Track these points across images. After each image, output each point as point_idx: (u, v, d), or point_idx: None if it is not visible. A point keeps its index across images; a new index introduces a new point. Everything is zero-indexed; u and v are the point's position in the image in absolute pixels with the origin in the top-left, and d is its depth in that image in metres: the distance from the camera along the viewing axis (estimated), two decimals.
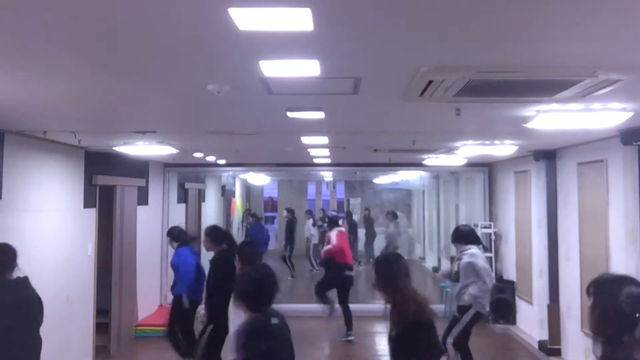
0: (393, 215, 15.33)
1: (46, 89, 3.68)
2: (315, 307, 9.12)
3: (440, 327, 3.90)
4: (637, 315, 2.06)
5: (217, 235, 6.46)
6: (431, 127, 5.56)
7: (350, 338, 8.56)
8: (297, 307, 9.82)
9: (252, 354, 3.11)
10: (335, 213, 10.50)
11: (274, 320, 3.22)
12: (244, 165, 11.20)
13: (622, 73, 3.17)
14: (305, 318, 9.06)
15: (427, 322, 3.39)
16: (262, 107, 4.34)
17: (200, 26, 2.38)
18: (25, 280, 4.20)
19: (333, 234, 8.92)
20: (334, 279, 8.74)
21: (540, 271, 8.03)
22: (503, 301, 9.24)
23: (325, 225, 10.07)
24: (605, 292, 2.18)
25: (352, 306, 8.77)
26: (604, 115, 4.27)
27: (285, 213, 15.26)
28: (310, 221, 15.66)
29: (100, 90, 3.73)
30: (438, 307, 10.09)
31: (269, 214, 19.65)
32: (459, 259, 6.48)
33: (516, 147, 7.00)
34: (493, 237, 10.01)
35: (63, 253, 6.50)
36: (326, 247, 8.93)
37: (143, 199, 9.10)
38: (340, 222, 9.48)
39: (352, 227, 15.93)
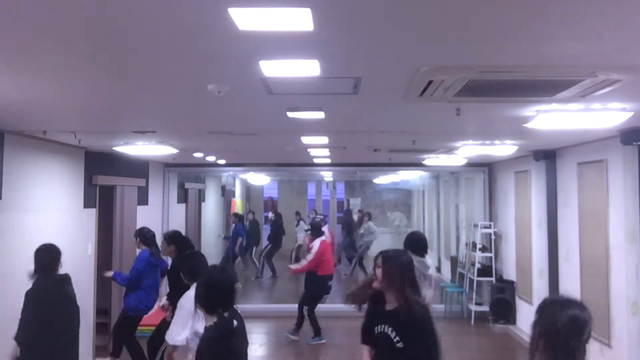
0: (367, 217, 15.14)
1: (46, 89, 3.68)
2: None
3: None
4: (571, 342, 2.10)
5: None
6: (431, 127, 5.56)
7: (322, 342, 8.54)
8: (285, 307, 9.87)
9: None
10: (321, 217, 10.26)
11: (235, 323, 3.16)
12: (244, 165, 11.21)
13: (622, 73, 3.18)
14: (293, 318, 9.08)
15: None
16: (262, 107, 4.34)
17: (200, 26, 2.38)
18: (67, 277, 4.66)
19: (316, 244, 8.66)
20: (320, 292, 8.68)
21: (540, 271, 8.03)
22: (503, 301, 9.25)
23: (308, 231, 9.81)
24: (547, 314, 2.22)
25: (336, 306, 8.80)
26: (604, 115, 4.27)
27: (270, 214, 15.32)
28: (301, 224, 15.66)
29: (100, 90, 3.73)
30: (438, 307, 10.13)
31: (268, 214, 19.65)
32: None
33: (516, 147, 7.00)
34: (493, 237, 10.02)
35: (63, 253, 6.49)
36: (302, 262, 8.72)
37: (143, 199, 9.10)
38: (325, 228, 9.30)
39: (350, 226, 15.90)
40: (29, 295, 4.46)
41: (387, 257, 3.50)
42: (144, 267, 6.60)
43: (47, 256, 4.59)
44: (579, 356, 2.11)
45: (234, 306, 3.28)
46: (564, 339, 2.12)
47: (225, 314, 3.18)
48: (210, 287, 3.26)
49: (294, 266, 9.38)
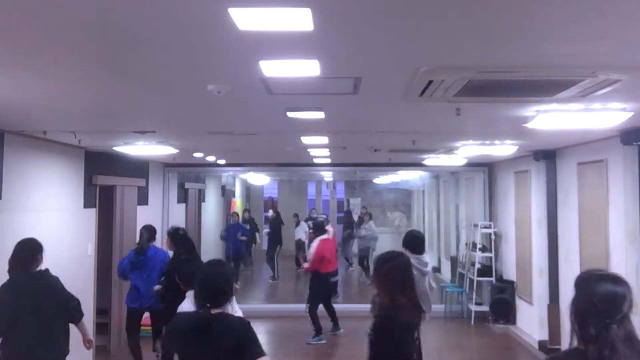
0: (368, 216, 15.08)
1: (46, 89, 3.68)
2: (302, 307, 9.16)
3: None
4: (608, 319, 2.07)
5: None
6: (431, 127, 5.56)
7: (322, 341, 8.56)
8: (285, 307, 9.88)
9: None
10: (323, 217, 10.28)
11: (194, 316, 3.10)
12: (244, 165, 11.21)
13: (622, 73, 3.17)
14: (295, 318, 9.09)
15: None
16: (262, 107, 4.34)
17: (200, 26, 2.38)
18: (44, 273, 4.51)
19: (314, 244, 8.80)
20: (321, 291, 8.75)
21: (540, 271, 8.03)
22: (503, 301, 9.24)
23: (310, 231, 9.97)
24: (582, 289, 2.20)
25: (344, 306, 8.79)
26: (604, 115, 4.27)
27: (270, 213, 15.29)
28: (302, 224, 15.56)
29: (100, 90, 3.73)
30: (438, 307, 10.12)
31: (267, 214, 19.64)
32: None
33: (516, 147, 7.00)
34: (493, 237, 10.02)
35: (63, 253, 6.50)
36: (304, 264, 8.82)
37: (143, 199, 9.10)
38: (327, 226, 9.41)
39: (350, 226, 15.88)
40: (2, 288, 4.38)
41: (381, 261, 3.56)
42: (126, 264, 6.80)
43: (26, 251, 4.47)
44: (617, 330, 2.07)
45: (224, 309, 3.13)
46: (598, 315, 2.10)
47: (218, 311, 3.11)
48: (199, 277, 3.24)
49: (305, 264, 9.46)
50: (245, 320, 3.22)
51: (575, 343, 2.15)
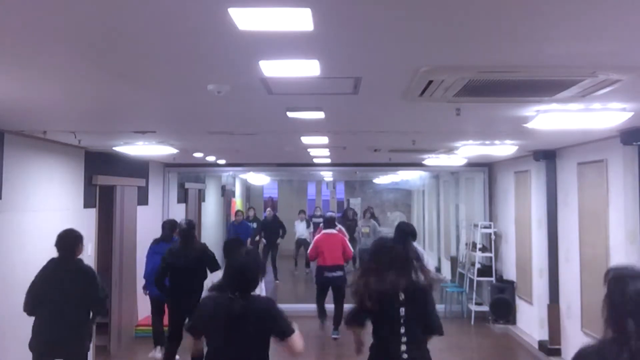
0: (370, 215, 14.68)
1: (46, 89, 3.68)
2: (303, 306, 9.20)
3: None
4: None
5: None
6: (431, 127, 5.57)
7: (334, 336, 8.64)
8: (285, 307, 9.90)
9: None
10: (332, 213, 10.23)
11: (226, 301, 3.33)
12: (244, 165, 11.20)
13: (622, 73, 3.17)
14: (295, 317, 9.10)
15: None
16: (262, 107, 4.34)
17: (200, 26, 2.38)
18: (77, 262, 4.88)
19: (315, 236, 9.17)
20: (316, 282, 8.96)
21: (540, 271, 8.03)
22: (503, 301, 9.24)
23: (321, 225, 10.12)
24: (616, 285, 2.21)
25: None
26: (604, 115, 4.27)
27: (268, 210, 15.05)
28: (303, 222, 15.33)
29: (100, 90, 3.73)
30: (438, 307, 10.07)
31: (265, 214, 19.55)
32: None
33: (516, 147, 7.00)
34: (493, 237, 10.01)
35: None
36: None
37: (143, 199, 9.10)
38: (335, 223, 9.43)
39: (351, 225, 15.80)
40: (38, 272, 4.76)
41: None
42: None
43: (69, 242, 4.86)
44: None
45: (251, 292, 3.42)
46: (636, 309, 2.11)
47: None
48: (233, 267, 3.50)
49: None
50: (271, 300, 3.60)
51: (609, 335, 2.17)
